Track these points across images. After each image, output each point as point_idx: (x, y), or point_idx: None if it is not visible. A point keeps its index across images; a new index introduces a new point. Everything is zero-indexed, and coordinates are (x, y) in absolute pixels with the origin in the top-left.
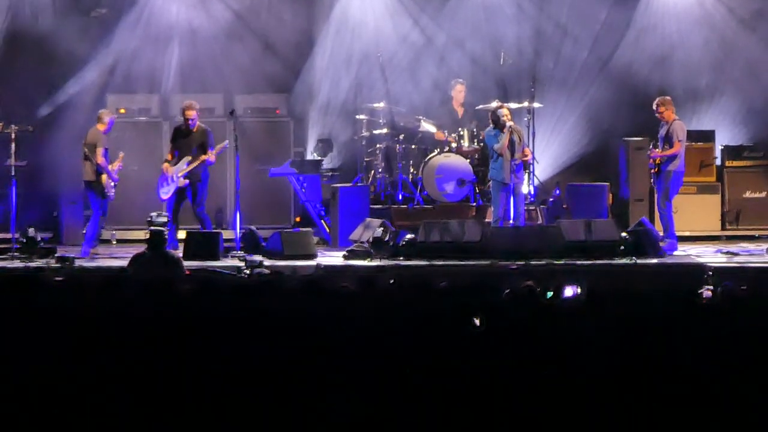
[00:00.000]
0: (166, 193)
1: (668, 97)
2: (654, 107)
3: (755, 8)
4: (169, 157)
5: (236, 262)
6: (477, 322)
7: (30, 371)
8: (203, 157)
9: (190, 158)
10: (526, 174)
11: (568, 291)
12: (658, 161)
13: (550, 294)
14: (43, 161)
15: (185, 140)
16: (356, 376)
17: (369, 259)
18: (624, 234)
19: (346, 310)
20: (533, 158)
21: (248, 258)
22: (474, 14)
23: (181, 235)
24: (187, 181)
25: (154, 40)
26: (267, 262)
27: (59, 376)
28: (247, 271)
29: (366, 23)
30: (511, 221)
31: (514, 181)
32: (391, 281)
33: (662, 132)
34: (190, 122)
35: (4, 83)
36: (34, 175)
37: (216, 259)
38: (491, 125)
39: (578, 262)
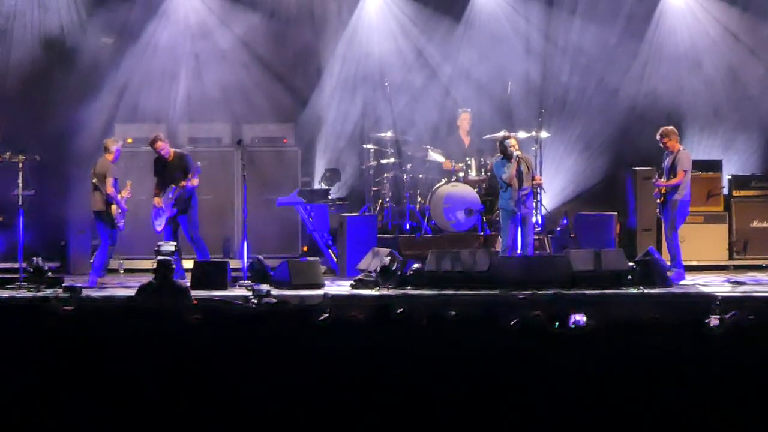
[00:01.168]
0: (160, 224)
1: (671, 127)
2: (657, 138)
3: (763, 37)
4: (156, 191)
5: (244, 292)
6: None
7: (38, 401)
8: (182, 183)
9: (174, 186)
10: (535, 203)
11: (574, 318)
12: (663, 191)
13: (557, 324)
14: (50, 190)
15: (166, 170)
16: (364, 406)
17: (377, 289)
18: (632, 264)
19: (354, 340)
20: (541, 188)
21: (256, 287)
22: (481, 43)
23: (188, 264)
24: (176, 209)
25: (162, 70)
26: (274, 292)
27: (67, 407)
28: (255, 301)
29: (373, 52)
30: (519, 251)
31: (523, 211)
32: (400, 311)
33: (667, 162)
34: (163, 153)
35: (11, 112)
36: (41, 204)
37: (224, 288)
38: (499, 155)
39: (586, 292)
